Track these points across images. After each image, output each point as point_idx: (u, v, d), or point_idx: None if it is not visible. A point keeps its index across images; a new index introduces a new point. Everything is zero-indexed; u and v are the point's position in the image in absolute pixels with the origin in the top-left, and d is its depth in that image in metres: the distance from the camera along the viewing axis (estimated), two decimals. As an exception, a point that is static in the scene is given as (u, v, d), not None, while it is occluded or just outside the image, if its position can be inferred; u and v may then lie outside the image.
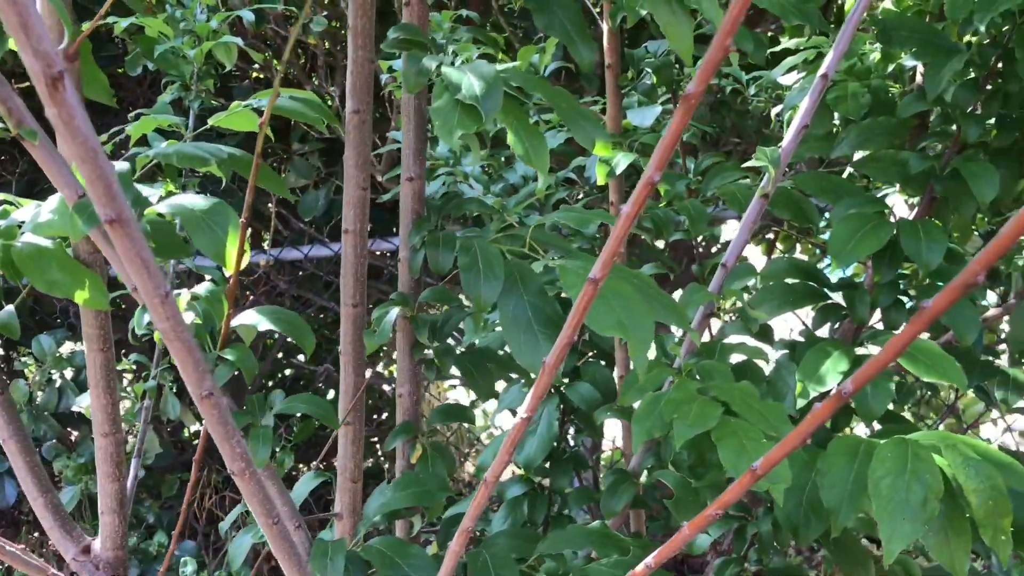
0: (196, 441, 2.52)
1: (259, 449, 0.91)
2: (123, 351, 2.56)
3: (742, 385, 0.97)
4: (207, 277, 1.23)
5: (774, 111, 1.64)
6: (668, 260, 1.66)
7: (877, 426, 1.22)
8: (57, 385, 2.65)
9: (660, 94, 1.54)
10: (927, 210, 1.32)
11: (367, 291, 1.10)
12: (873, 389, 1.08)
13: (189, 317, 0.91)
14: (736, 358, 1.22)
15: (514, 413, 1.25)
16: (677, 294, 1.41)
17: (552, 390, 1.28)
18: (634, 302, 0.83)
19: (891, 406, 1.34)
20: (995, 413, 2.61)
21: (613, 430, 2.45)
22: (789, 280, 1.26)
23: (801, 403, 1.11)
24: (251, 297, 3.09)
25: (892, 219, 1.22)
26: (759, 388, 1.19)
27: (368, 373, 3.09)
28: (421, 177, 1.05)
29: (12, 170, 2.95)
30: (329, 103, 2.74)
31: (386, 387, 3.39)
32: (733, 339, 1.24)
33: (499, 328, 1.27)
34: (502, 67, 0.86)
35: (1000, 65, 1.24)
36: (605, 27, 1.26)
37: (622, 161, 1.26)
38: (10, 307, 1.08)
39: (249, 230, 3.12)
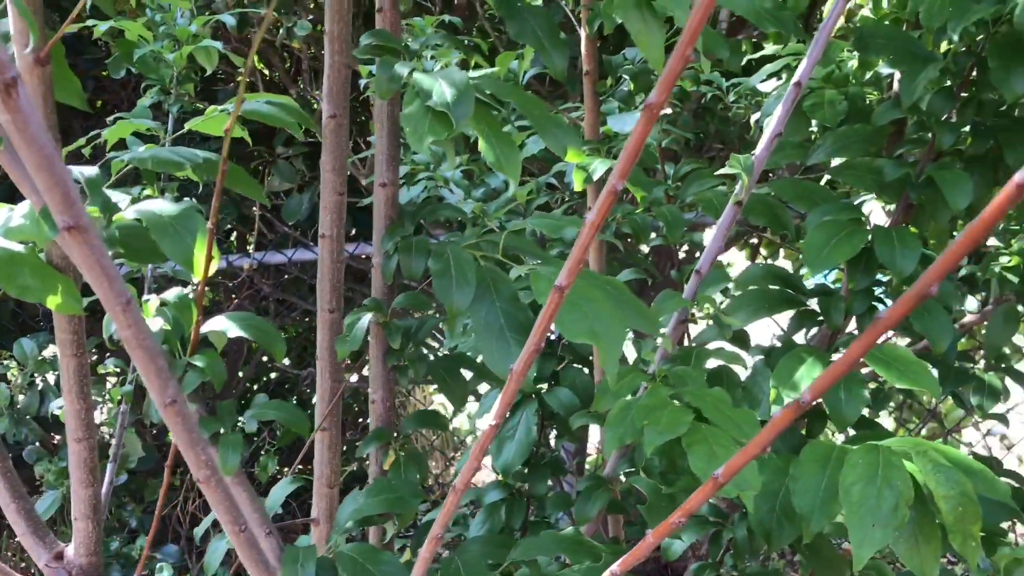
0: (178, 445, 2.50)
1: (228, 456, 0.90)
2: (107, 354, 2.56)
3: (714, 391, 0.97)
4: (194, 281, 1.23)
5: (753, 118, 1.65)
6: (650, 266, 1.66)
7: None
8: (39, 388, 2.64)
9: (639, 101, 1.54)
10: (903, 217, 1.33)
11: (353, 295, 1.10)
12: (847, 396, 1.08)
13: (158, 323, 0.91)
14: (713, 363, 1.22)
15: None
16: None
17: (531, 395, 1.28)
18: (605, 308, 0.83)
19: (866, 412, 1.35)
20: (976, 417, 2.62)
21: (597, 435, 2.45)
22: (765, 286, 1.27)
23: (776, 409, 1.11)
24: (235, 300, 3.09)
25: (867, 226, 1.22)
26: (735, 394, 1.19)
27: (354, 378, 3.08)
28: (394, 183, 1.05)
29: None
30: (314, 107, 2.74)
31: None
32: (709, 345, 1.25)
33: (477, 333, 1.27)
34: (475, 74, 0.86)
35: (974, 74, 1.25)
36: (583, 34, 1.27)
37: (599, 167, 1.26)
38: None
39: (234, 233, 3.11)
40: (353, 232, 2.86)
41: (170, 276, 1.51)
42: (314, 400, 1.15)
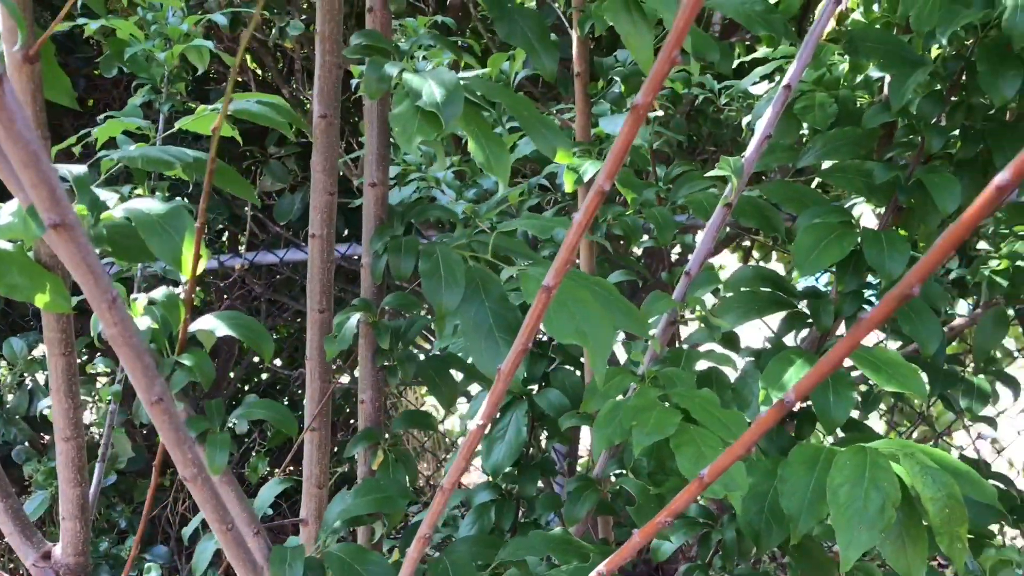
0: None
1: (216, 456, 0.90)
2: (96, 354, 2.55)
3: (703, 393, 0.98)
4: (183, 280, 1.22)
5: (745, 120, 1.65)
6: (641, 268, 1.67)
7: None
8: (28, 388, 2.63)
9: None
10: (892, 220, 1.33)
11: (345, 296, 1.10)
12: (835, 398, 1.08)
13: (146, 322, 0.91)
14: (703, 365, 1.23)
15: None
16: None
17: (522, 397, 1.28)
18: (593, 309, 0.83)
19: (856, 415, 1.36)
20: (967, 421, 2.64)
21: (588, 438, 2.45)
22: (754, 288, 1.27)
23: (764, 410, 1.11)
24: (227, 300, 3.08)
25: (857, 229, 1.23)
26: (724, 396, 1.20)
27: (345, 379, 3.07)
28: (384, 183, 1.05)
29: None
30: (307, 107, 2.74)
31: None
32: (700, 347, 1.25)
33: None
34: (465, 75, 0.86)
35: (964, 78, 1.25)
36: (574, 35, 1.27)
37: (589, 169, 1.26)
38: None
39: (226, 233, 3.10)
40: (345, 233, 2.85)
41: (160, 276, 1.50)
42: (305, 401, 1.15)
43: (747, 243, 3.02)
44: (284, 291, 3.13)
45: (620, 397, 1.02)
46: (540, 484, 1.33)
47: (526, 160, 1.74)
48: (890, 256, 1.14)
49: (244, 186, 1.11)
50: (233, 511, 0.89)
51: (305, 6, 2.77)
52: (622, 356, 1.31)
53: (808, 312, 1.28)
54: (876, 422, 2.70)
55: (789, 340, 1.33)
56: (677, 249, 2.41)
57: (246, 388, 3.45)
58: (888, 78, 1.35)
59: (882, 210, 1.33)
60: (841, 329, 1.31)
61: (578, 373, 1.32)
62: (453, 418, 3.81)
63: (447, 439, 3.85)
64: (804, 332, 1.36)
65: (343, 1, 0.99)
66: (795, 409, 1.28)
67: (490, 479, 1.28)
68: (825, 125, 1.35)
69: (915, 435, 2.70)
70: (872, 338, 1.45)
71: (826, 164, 1.34)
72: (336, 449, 3.03)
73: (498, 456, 1.25)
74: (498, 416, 1.25)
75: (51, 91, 0.98)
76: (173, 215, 0.82)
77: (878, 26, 1.43)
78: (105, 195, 0.90)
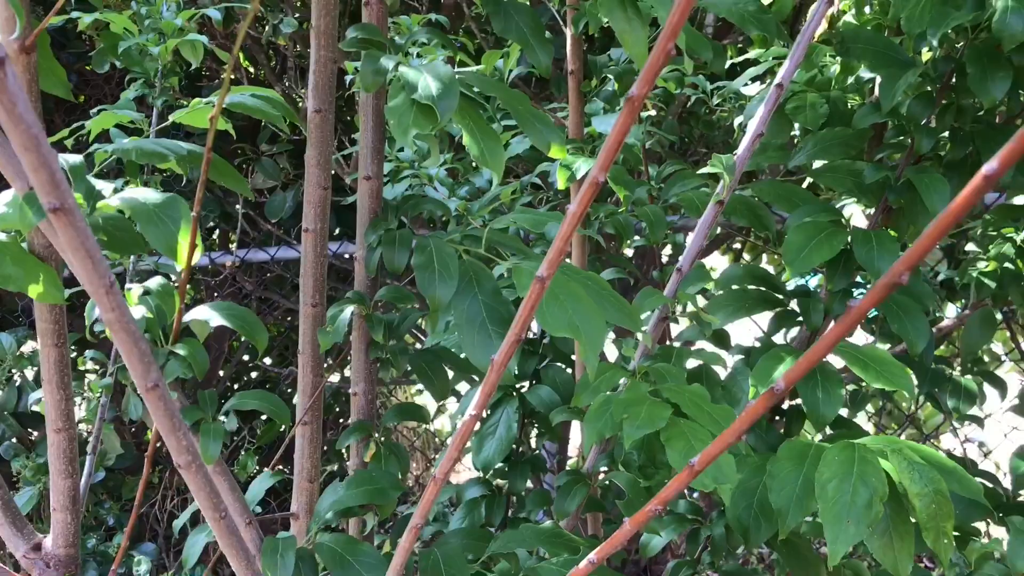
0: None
1: (210, 445, 0.90)
2: (85, 350, 2.54)
3: (693, 388, 0.98)
4: (173, 276, 1.22)
5: (737, 121, 1.67)
6: (632, 266, 1.67)
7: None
8: (17, 384, 2.62)
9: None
10: (882, 220, 1.34)
11: (336, 294, 1.10)
12: (824, 396, 1.09)
13: (141, 312, 0.91)
14: (694, 363, 1.24)
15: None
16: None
17: (512, 393, 1.29)
18: (585, 303, 0.84)
19: (844, 414, 1.37)
20: (955, 423, 2.65)
21: (578, 438, 2.46)
22: (745, 286, 1.28)
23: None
24: (217, 297, 3.08)
25: (847, 228, 1.24)
26: (715, 393, 1.20)
27: (335, 378, 3.07)
28: (378, 176, 1.06)
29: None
30: (300, 104, 2.74)
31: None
32: (690, 345, 1.26)
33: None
34: (461, 70, 0.87)
35: (954, 79, 1.27)
36: (568, 33, 1.28)
37: (582, 166, 1.27)
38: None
39: (217, 230, 3.10)
40: (336, 231, 2.85)
41: (152, 270, 1.50)
42: (295, 400, 1.16)
43: (737, 245, 3.04)
44: (275, 289, 3.13)
45: (610, 392, 1.02)
46: (530, 484, 1.33)
47: (517, 159, 1.75)
48: (879, 255, 1.15)
49: (238, 180, 1.12)
50: (226, 501, 0.90)
51: (299, 4, 2.77)
52: (612, 357, 1.31)
53: (798, 311, 1.29)
54: (864, 425, 2.72)
55: (779, 339, 1.34)
56: (668, 251, 2.42)
57: (235, 387, 3.45)
58: (879, 79, 1.37)
59: (872, 210, 1.34)
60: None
61: (568, 370, 1.32)
62: (443, 418, 3.81)
63: (436, 439, 3.85)
64: (794, 331, 1.37)
65: (339, -5, 0.99)
66: (784, 407, 1.29)
67: (480, 475, 1.29)
68: (816, 125, 1.36)
69: (903, 437, 2.72)
70: (861, 341, 1.46)
71: (817, 164, 1.35)
72: (325, 448, 3.03)
73: (489, 452, 1.25)
74: (489, 413, 1.26)
75: (46, 82, 0.98)
76: (169, 204, 0.83)
77: (869, 28, 1.44)
78: (100, 184, 0.90)
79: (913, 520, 0.95)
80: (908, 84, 1.21)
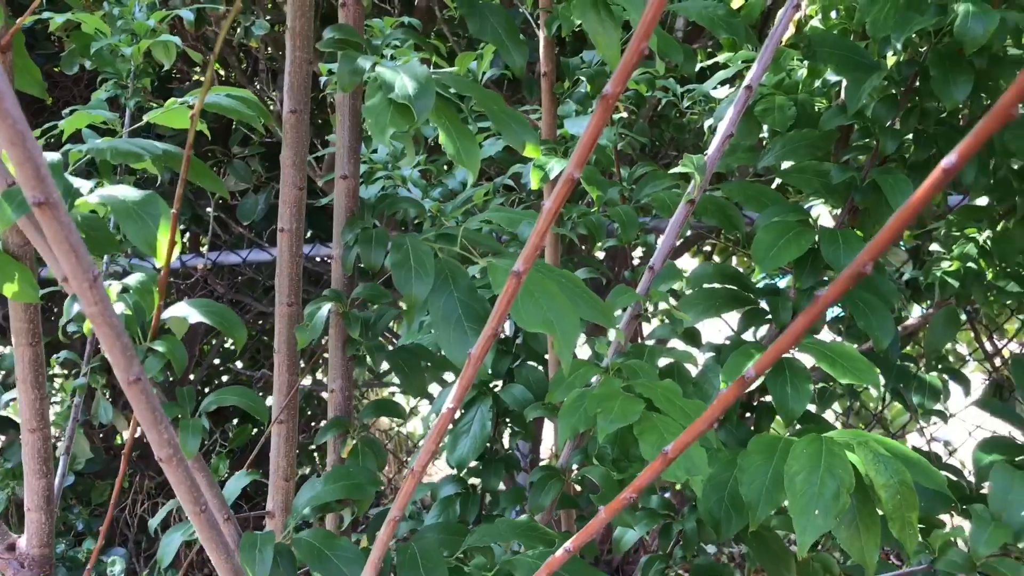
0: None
1: (188, 440, 0.91)
2: (54, 354, 2.52)
3: (665, 383, 1.00)
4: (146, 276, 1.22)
5: (707, 123, 1.69)
6: (603, 267, 1.69)
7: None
8: (-16, 388, 2.59)
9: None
10: (848, 220, 1.37)
11: (309, 297, 1.11)
12: (793, 391, 1.12)
13: (119, 308, 0.91)
14: (666, 360, 1.26)
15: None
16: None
17: (486, 391, 1.30)
18: (559, 300, 0.85)
19: (813, 409, 1.39)
20: (921, 422, 2.70)
21: (551, 439, 2.47)
22: (715, 285, 1.30)
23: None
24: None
25: (814, 227, 1.26)
26: (686, 389, 1.22)
27: (307, 380, 3.05)
28: (355, 175, 1.07)
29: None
30: (271, 107, 2.74)
31: (325, 394, 3.39)
32: (663, 343, 1.28)
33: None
34: (437, 70, 0.88)
35: (917, 83, 1.30)
36: (541, 35, 1.29)
37: (555, 166, 1.29)
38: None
39: (188, 233, 3.08)
40: (308, 233, 2.85)
41: (125, 270, 1.50)
42: (268, 400, 1.16)
43: (708, 248, 3.07)
44: (247, 292, 3.12)
45: (584, 388, 1.04)
46: (503, 485, 1.35)
47: (491, 161, 1.76)
48: (845, 253, 1.18)
49: (214, 180, 1.12)
50: (205, 496, 0.90)
51: (270, 6, 2.77)
52: (586, 355, 1.33)
53: (767, 309, 1.32)
54: (832, 423, 2.76)
55: (749, 336, 1.36)
56: (639, 252, 2.45)
57: (207, 390, 3.44)
58: (845, 82, 1.40)
59: (839, 210, 1.37)
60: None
61: (541, 369, 1.34)
62: (415, 420, 3.82)
63: (409, 441, 3.85)
64: (764, 329, 1.39)
65: (315, -3, 1.00)
66: (754, 403, 1.32)
67: (455, 473, 1.30)
68: (784, 127, 1.38)
69: (870, 435, 2.75)
70: (829, 339, 1.49)
71: (785, 165, 1.37)
72: (298, 451, 3.02)
73: (463, 450, 1.27)
74: (463, 411, 1.27)
75: (21, 81, 0.98)
76: (148, 202, 0.83)
77: (835, 32, 1.47)
78: (78, 183, 0.91)
79: (879, 511, 0.98)
80: (873, 87, 1.24)
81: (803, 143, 1.35)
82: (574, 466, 1.18)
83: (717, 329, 1.68)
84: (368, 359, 1.06)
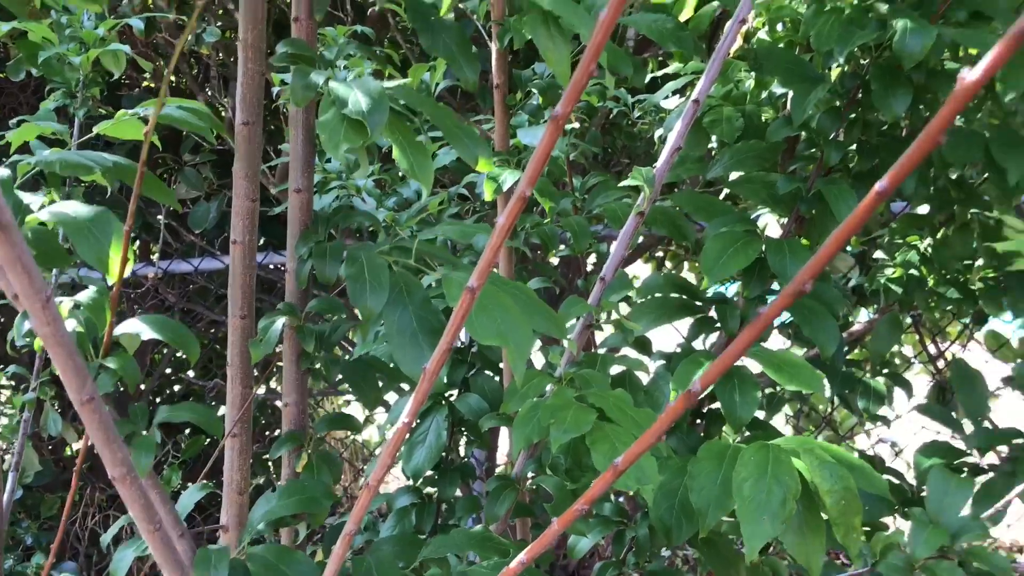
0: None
1: (142, 457, 0.90)
2: (1, 367, 2.48)
3: (617, 393, 1.02)
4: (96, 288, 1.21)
5: (657, 133, 1.72)
6: (557, 276, 1.71)
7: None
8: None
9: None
10: (795, 229, 1.40)
11: (262, 305, 1.11)
12: (741, 398, 1.14)
13: (71, 325, 0.91)
14: (618, 369, 1.27)
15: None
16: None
17: (442, 401, 1.31)
18: (513, 312, 0.86)
19: (762, 416, 1.42)
20: (868, 425, 2.76)
21: (506, 447, 2.49)
22: (665, 294, 1.32)
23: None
24: (138, 310, 3.03)
25: (761, 237, 1.29)
26: (637, 397, 1.24)
27: (261, 390, 3.04)
28: (308, 189, 1.07)
29: None
30: (222, 114, 2.72)
31: (279, 403, 3.36)
32: (614, 351, 1.29)
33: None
34: (390, 84, 0.89)
35: (860, 95, 1.33)
36: (494, 47, 1.30)
37: (508, 178, 1.30)
38: None
39: (138, 242, 3.04)
40: (261, 241, 2.84)
41: (75, 283, 1.48)
42: (222, 410, 1.16)
43: (660, 254, 3.11)
44: (199, 301, 3.09)
45: (537, 398, 1.05)
46: (459, 493, 1.35)
47: (445, 170, 1.77)
48: (791, 263, 1.21)
49: (163, 190, 1.12)
50: (159, 513, 0.90)
51: (221, 12, 2.75)
52: (540, 365, 1.34)
53: (716, 317, 1.34)
54: (782, 428, 2.81)
55: (699, 344, 1.39)
56: (593, 259, 2.47)
57: (158, 400, 3.39)
58: (791, 94, 1.43)
59: (785, 220, 1.40)
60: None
61: (496, 379, 1.35)
62: (371, 428, 3.81)
63: (365, 450, 3.84)
64: (713, 337, 1.42)
65: (266, 9, 1.00)
66: (704, 410, 1.34)
67: (411, 483, 1.31)
68: (732, 138, 1.41)
69: (820, 439, 2.81)
70: (777, 345, 1.52)
71: (733, 176, 1.40)
72: (251, 461, 3.00)
73: (418, 460, 1.27)
74: (419, 421, 1.27)
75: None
76: (100, 218, 0.83)
77: (782, 45, 1.50)
78: (28, 198, 0.90)
79: (824, 516, 1.00)
80: (818, 99, 1.27)
81: (751, 154, 1.38)
82: (529, 475, 1.19)
83: (668, 335, 1.71)
84: (323, 372, 1.06)
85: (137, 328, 0.95)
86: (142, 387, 3.25)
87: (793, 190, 1.31)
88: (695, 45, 1.33)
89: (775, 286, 1.34)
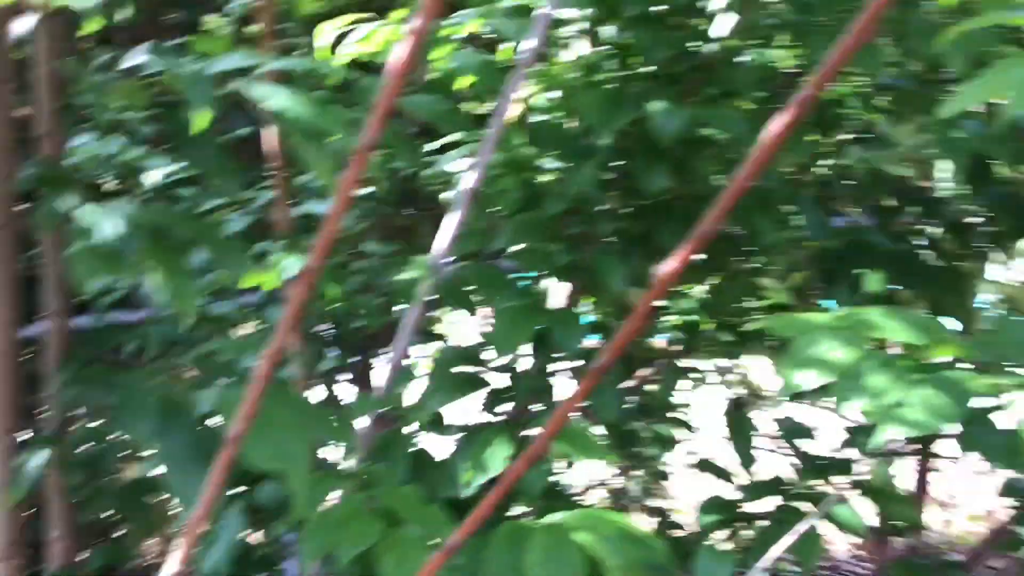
0: None
1: None
2: None
3: (405, 490, 1.03)
4: None
5: (443, 195, 1.74)
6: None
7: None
8: None
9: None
10: (579, 293, 1.46)
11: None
12: (528, 475, 1.17)
13: None
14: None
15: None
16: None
17: (235, 496, 1.27)
18: (291, 429, 0.85)
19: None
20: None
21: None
22: (457, 369, 1.34)
23: (471, 490, 1.18)
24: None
25: (544, 308, 1.33)
26: (433, 475, 1.25)
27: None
28: (66, 312, 1.02)
29: None
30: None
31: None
32: (409, 431, 1.30)
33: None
34: (148, 207, 0.86)
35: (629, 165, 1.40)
36: (273, 130, 1.29)
37: (293, 266, 1.28)
38: None
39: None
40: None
41: None
42: None
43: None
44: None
45: (326, 506, 1.04)
46: None
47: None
48: (569, 335, 1.26)
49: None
50: None
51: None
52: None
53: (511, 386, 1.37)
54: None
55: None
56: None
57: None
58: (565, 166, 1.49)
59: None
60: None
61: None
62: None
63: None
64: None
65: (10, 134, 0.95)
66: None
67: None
68: (513, 210, 1.45)
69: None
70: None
71: (515, 248, 1.44)
72: None
73: (214, 559, 1.23)
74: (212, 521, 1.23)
75: None
76: None
77: (559, 114, 1.55)
78: None
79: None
80: (587, 176, 1.33)
81: (531, 225, 1.42)
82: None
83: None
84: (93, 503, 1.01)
85: None
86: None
87: (568, 262, 1.36)
88: (469, 122, 1.36)
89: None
